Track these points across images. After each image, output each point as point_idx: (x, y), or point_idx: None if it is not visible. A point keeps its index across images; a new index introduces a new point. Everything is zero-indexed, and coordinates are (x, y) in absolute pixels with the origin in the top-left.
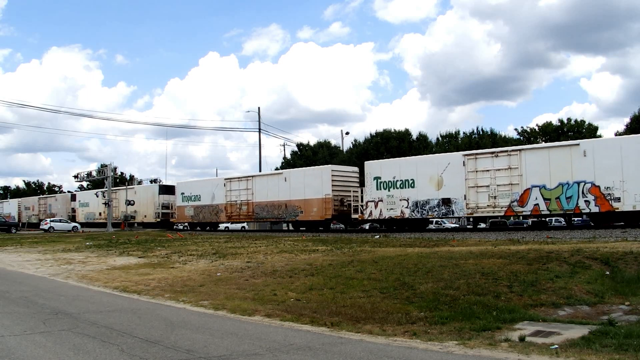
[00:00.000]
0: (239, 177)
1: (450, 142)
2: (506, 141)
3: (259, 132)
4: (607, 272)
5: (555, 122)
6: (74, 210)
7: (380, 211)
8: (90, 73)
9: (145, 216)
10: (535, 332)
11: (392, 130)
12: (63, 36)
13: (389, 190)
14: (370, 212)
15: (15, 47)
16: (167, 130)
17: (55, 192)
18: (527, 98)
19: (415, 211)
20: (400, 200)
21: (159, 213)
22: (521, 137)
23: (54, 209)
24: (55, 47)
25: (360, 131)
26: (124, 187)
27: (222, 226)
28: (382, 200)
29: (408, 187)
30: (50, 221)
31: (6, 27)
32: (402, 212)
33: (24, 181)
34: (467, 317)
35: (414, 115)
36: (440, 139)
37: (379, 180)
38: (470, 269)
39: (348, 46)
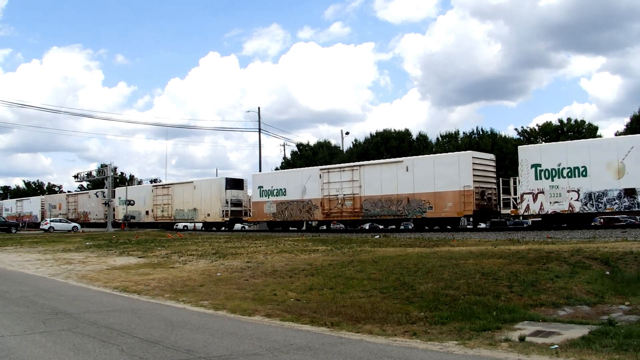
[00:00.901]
0: (340, 167)
1: (450, 142)
2: (506, 141)
3: (259, 132)
4: (607, 272)
5: (555, 122)
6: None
7: (541, 205)
8: (90, 73)
9: (208, 214)
10: (535, 332)
11: (392, 130)
12: (63, 36)
13: (552, 180)
14: (527, 207)
15: (15, 47)
16: (167, 130)
17: (55, 192)
18: (528, 98)
19: (588, 204)
20: (569, 191)
21: (227, 211)
22: (521, 137)
23: (87, 207)
24: (55, 47)
25: (361, 131)
26: (179, 182)
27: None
28: (542, 192)
29: (578, 176)
30: (50, 221)
31: (7, 27)
32: (570, 205)
33: (24, 181)
34: (467, 317)
35: (414, 115)
36: (440, 139)
37: (538, 169)
38: (470, 269)
39: (348, 46)
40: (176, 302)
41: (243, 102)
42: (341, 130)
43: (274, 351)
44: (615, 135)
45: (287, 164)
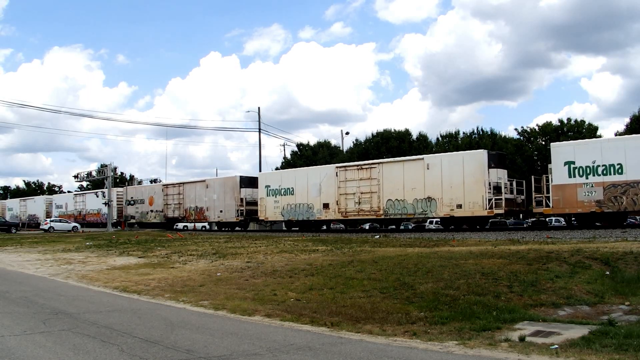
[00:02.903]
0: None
1: (450, 142)
2: (506, 141)
3: (259, 132)
4: (607, 272)
5: (555, 122)
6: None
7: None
8: (91, 73)
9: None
10: (535, 332)
11: (392, 130)
12: (64, 36)
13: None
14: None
15: (16, 46)
16: (167, 130)
17: (55, 192)
18: (528, 98)
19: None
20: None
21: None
22: (521, 137)
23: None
24: (56, 47)
25: (361, 131)
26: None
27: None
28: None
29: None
30: (50, 221)
31: (7, 27)
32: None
33: (24, 181)
34: (467, 317)
35: (414, 115)
36: (440, 139)
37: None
38: (470, 269)
39: (349, 46)
40: (176, 302)
41: (244, 102)
42: (341, 130)
43: (274, 351)
44: (616, 134)
45: (287, 164)
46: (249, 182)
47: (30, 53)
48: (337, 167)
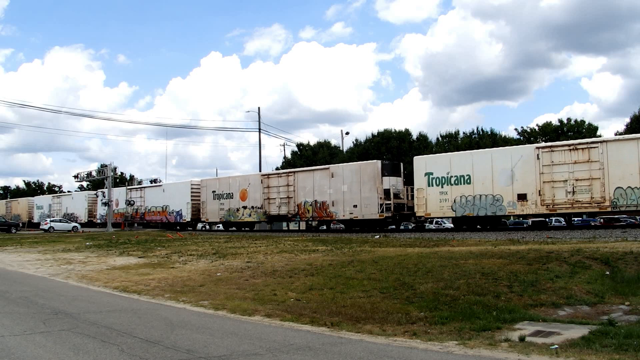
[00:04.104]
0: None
1: (450, 142)
2: (506, 141)
3: (259, 132)
4: (607, 272)
5: (555, 122)
6: (197, 205)
7: None
8: (92, 73)
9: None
10: (535, 332)
11: (393, 130)
12: (65, 36)
13: None
14: None
15: (17, 46)
16: (168, 130)
17: (55, 192)
18: (529, 98)
19: None
20: None
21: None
22: (521, 137)
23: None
24: (57, 46)
25: (362, 131)
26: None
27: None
28: None
29: None
30: (51, 221)
31: (8, 26)
32: None
33: (24, 181)
34: (467, 317)
35: (415, 115)
36: (440, 139)
37: None
38: (470, 269)
39: (350, 46)
40: (176, 302)
41: (244, 102)
42: (341, 130)
43: (274, 351)
44: (616, 134)
45: (287, 164)
46: (393, 169)
47: (30, 53)
48: (537, 147)
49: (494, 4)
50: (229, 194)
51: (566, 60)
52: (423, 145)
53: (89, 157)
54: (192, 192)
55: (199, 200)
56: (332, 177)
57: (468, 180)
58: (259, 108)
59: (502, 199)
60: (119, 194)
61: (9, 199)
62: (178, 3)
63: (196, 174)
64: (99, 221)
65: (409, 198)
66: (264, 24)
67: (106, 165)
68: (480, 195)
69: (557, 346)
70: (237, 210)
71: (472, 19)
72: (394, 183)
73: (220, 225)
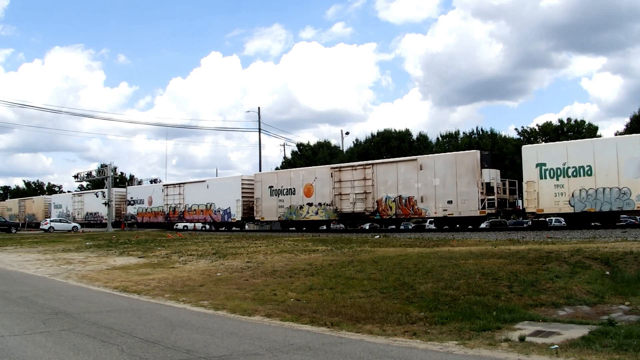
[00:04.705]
0: None
1: (450, 142)
2: (506, 141)
3: (259, 132)
4: (607, 272)
5: (555, 122)
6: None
7: None
8: (92, 73)
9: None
10: (535, 332)
11: (393, 130)
12: (65, 36)
13: None
14: None
15: (17, 46)
16: (168, 130)
17: (55, 192)
18: (529, 98)
19: None
20: None
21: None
22: (521, 137)
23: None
24: (57, 46)
25: (362, 131)
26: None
27: None
28: None
29: None
30: (50, 221)
31: (8, 26)
32: None
33: (24, 181)
34: (467, 317)
35: (415, 115)
36: (440, 139)
37: None
38: (470, 269)
39: (350, 46)
40: (176, 302)
41: (244, 102)
42: (341, 130)
43: (274, 351)
44: (616, 134)
45: (287, 164)
46: (492, 160)
47: (31, 53)
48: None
49: (494, 4)
50: (290, 189)
51: (566, 60)
52: (423, 145)
53: (89, 157)
54: (243, 188)
55: (251, 197)
56: (421, 169)
57: (589, 172)
58: (259, 108)
59: (629, 192)
60: (152, 191)
61: (22, 198)
62: (178, 3)
63: (196, 174)
64: (126, 221)
65: (509, 193)
66: (264, 24)
67: (106, 165)
68: (604, 189)
69: (557, 346)
70: (301, 207)
71: (472, 19)
72: (493, 176)
73: (279, 223)
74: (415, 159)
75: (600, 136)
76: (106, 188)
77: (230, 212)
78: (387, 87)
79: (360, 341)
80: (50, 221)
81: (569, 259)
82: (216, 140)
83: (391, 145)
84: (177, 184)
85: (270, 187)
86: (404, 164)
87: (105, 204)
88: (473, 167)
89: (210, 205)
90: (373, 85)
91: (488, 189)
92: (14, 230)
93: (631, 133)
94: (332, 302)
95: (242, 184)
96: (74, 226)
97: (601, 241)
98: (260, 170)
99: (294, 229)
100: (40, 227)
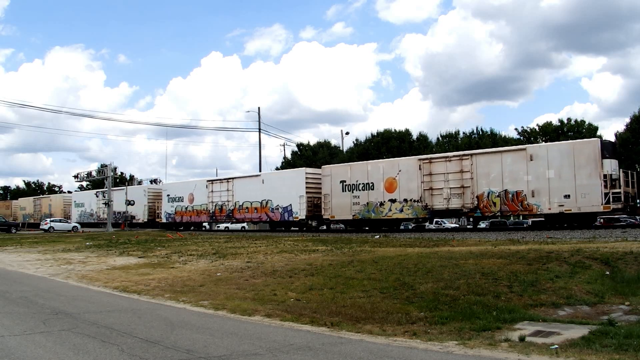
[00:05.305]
0: None
1: (450, 142)
2: (506, 141)
3: (259, 132)
4: (607, 272)
5: (555, 122)
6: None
7: None
8: (92, 73)
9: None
10: (535, 332)
11: (393, 130)
12: (66, 36)
13: None
14: None
15: (17, 46)
16: (168, 130)
17: (55, 192)
18: (529, 98)
19: None
20: None
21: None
22: (521, 137)
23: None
24: (58, 46)
25: (362, 131)
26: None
27: None
28: None
29: None
30: (50, 221)
31: (9, 26)
32: None
33: (24, 181)
34: (467, 317)
35: (415, 115)
36: (440, 139)
37: None
38: (470, 269)
39: (351, 46)
40: (176, 302)
41: (244, 102)
42: (341, 130)
43: (274, 351)
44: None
45: (287, 164)
46: (613, 150)
47: (31, 53)
48: None
49: (495, 4)
50: (368, 184)
51: (566, 60)
52: (423, 145)
53: (89, 157)
54: (307, 182)
55: (316, 193)
56: (531, 160)
57: None
58: (259, 108)
59: None
60: (194, 188)
61: (38, 196)
62: (178, 3)
63: (196, 173)
64: (164, 221)
65: (631, 186)
66: (264, 23)
67: (106, 165)
68: None
69: (557, 346)
70: (381, 204)
71: (472, 19)
72: (615, 167)
73: (354, 221)
74: (524, 149)
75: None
76: (106, 188)
77: (291, 209)
78: (387, 87)
79: (360, 341)
80: (50, 221)
81: (569, 259)
82: (216, 140)
83: (391, 145)
84: (224, 179)
85: (342, 181)
86: (511, 154)
87: (105, 203)
88: (594, 157)
89: (267, 203)
90: (373, 85)
91: (611, 181)
92: (13, 230)
93: (631, 133)
94: (332, 302)
95: (307, 178)
96: (74, 226)
97: (601, 241)
98: (260, 171)
99: (367, 228)
100: (40, 227)
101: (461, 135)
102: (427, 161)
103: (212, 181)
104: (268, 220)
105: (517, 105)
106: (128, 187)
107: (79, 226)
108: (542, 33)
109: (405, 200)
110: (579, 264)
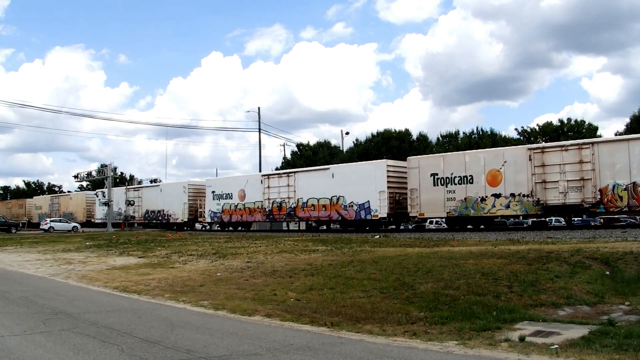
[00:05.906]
0: None
1: (450, 142)
2: (506, 141)
3: (259, 132)
4: (607, 272)
5: (556, 122)
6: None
7: None
8: (92, 73)
9: None
10: (535, 332)
11: (393, 130)
12: (66, 36)
13: None
14: None
15: (17, 46)
16: (168, 130)
17: (55, 192)
18: (529, 98)
19: None
20: None
21: None
22: (521, 137)
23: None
24: (58, 46)
25: (362, 131)
26: (629, 135)
27: None
28: None
29: None
30: (50, 221)
31: (9, 26)
32: None
33: (24, 181)
34: (467, 317)
35: (415, 115)
36: (440, 139)
37: None
38: (470, 269)
39: (351, 46)
40: (176, 302)
41: (245, 102)
42: (341, 130)
43: (274, 351)
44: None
45: (287, 164)
46: None
47: (31, 53)
48: None
49: (495, 4)
50: (465, 177)
51: (566, 60)
52: (423, 145)
53: (89, 157)
54: (388, 176)
55: (400, 187)
56: None
57: None
58: (259, 108)
59: None
60: (245, 183)
61: (56, 194)
62: (178, 3)
63: (196, 174)
64: (208, 220)
65: None
66: (264, 23)
67: (106, 165)
68: None
69: (557, 346)
70: (483, 200)
71: (472, 19)
72: None
73: (447, 220)
74: None
75: (600, 136)
76: (106, 188)
77: (369, 206)
78: (387, 87)
79: (360, 341)
80: (50, 221)
81: (569, 259)
82: (216, 140)
83: (391, 145)
84: (283, 173)
85: (434, 174)
86: (639, 143)
87: (105, 203)
88: None
89: (338, 199)
90: (373, 85)
91: None
92: (13, 230)
93: (631, 133)
94: (332, 302)
95: (388, 170)
96: (74, 226)
97: (601, 241)
98: (260, 171)
99: (471, 227)
100: (40, 227)
101: (461, 135)
102: (539, 151)
103: (268, 176)
104: (339, 219)
105: (517, 105)
106: (162, 183)
107: (78, 226)
108: (542, 33)
109: (512, 195)
110: (579, 264)
